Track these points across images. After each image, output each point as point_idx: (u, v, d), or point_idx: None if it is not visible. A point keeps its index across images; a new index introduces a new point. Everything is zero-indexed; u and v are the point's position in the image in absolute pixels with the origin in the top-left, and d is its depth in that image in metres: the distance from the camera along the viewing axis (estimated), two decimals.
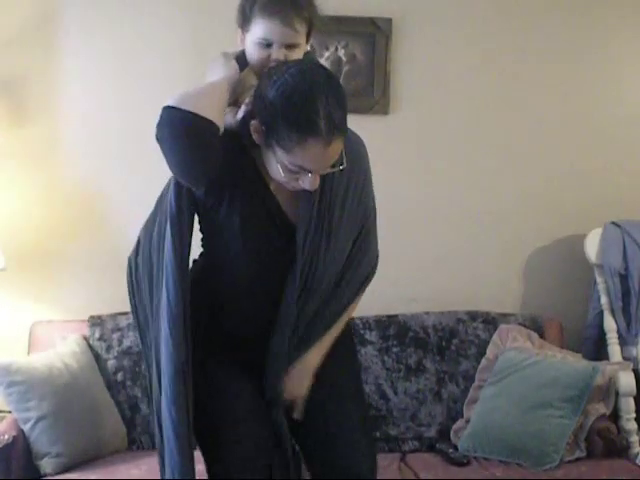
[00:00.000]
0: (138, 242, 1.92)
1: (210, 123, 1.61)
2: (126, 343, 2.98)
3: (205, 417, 1.78)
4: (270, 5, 1.70)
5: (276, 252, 1.77)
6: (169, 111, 1.62)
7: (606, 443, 2.80)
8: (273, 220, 1.76)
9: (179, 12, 3.17)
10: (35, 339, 3.01)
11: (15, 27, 3.11)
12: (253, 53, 1.74)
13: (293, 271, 1.76)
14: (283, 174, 1.63)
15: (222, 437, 1.77)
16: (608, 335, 3.07)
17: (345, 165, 1.69)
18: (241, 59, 1.77)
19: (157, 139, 1.64)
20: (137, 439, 2.93)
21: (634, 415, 2.92)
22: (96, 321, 3.02)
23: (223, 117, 1.67)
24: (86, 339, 2.99)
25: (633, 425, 2.91)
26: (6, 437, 2.56)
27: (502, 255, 3.32)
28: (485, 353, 3.03)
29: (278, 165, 1.63)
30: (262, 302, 1.81)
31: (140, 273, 1.88)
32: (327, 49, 3.18)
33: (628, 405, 2.92)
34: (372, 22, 3.19)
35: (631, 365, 2.94)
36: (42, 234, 3.13)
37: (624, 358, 3.01)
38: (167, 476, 1.75)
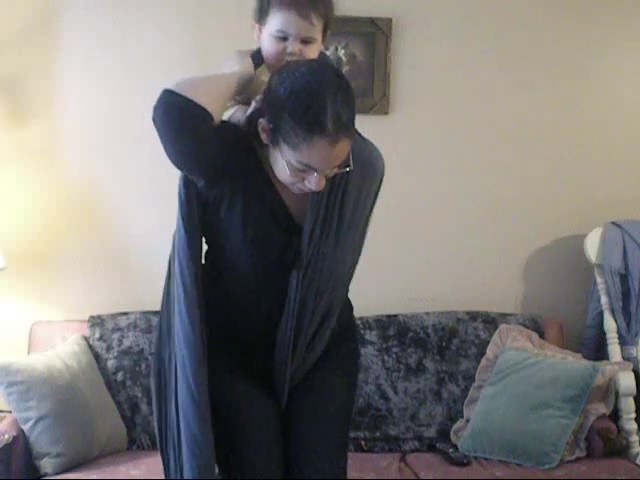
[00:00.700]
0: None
1: (203, 110, 1.62)
2: (126, 343, 2.99)
3: (218, 427, 1.78)
4: None
5: (279, 252, 1.76)
6: (166, 94, 1.66)
7: (606, 443, 2.80)
8: (276, 219, 1.75)
9: (179, 12, 3.17)
10: (35, 339, 3.01)
11: (15, 27, 3.11)
12: (269, 46, 1.73)
13: (296, 270, 1.75)
14: (289, 172, 1.63)
15: (237, 454, 1.79)
16: (608, 335, 3.07)
17: (351, 167, 1.68)
18: (256, 57, 1.77)
19: (153, 120, 1.66)
20: (137, 439, 2.93)
21: (634, 415, 2.92)
22: (96, 321, 3.02)
23: (221, 108, 1.68)
24: (86, 339, 3.00)
25: (633, 425, 2.91)
26: (6, 437, 2.56)
27: (502, 255, 3.32)
28: (485, 353, 3.03)
29: (284, 163, 1.62)
30: (265, 300, 1.81)
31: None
32: (327, 49, 3.18)
33: (628, 405, 2.92)
34: (372, 22, 3.19)
35: (631, 365, 2.94)
36: (42, 234, 3.13)
37: (624, 358, 3.01)
38: (187, 475, 1.74)
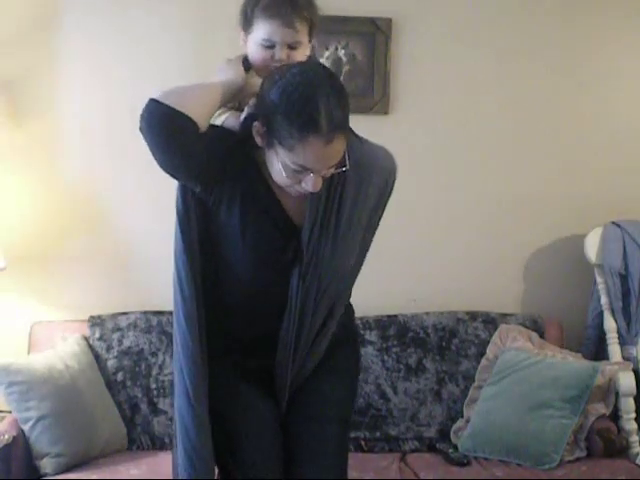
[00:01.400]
0: None
1: (188, 120, 1.62)
2: (126, 343, 2.98)
3: (216, 429, 1.79)
4: (271, 6, 1.71)
5: (278, 253, 1.76)
6: (151, 103, 1.66)
7: (606, 443, 2.80)
8: (274, 221, 1.75)
9: (179, 11, 3.17)
10: (35, 339, 3.01)
11: (15, 27, 3.10)
12: (256, 54, 1.75)
13: (296, 272, 1.76)
14: (285, 174, 1.63)
15: (237, 454, 1.80)
16: (608, 335, 3.07)
17: (347, 167, 1.68)
18: (245, 63, 1.78)
19: (139, 130, 1.66)
20: (137, 439, 2.93)
21: (634, 415, 2.92)
22: (96, 321, 3.02)
23: (207, 116, 1.68)
24: (86, 339, 2.99)
25: (633, 425, 2.91)
26: (6, 437, 2.55)
27: (502, 255, 3.31)
28: (485, 353, 3.03)
29: (280, 165, 1.62)
30: (266, 301, 1.81)
31: None
32: (327, 49, 3.18)
33: (628, 405, 2.92)
34: (372, 22, 3.19)
35: (631, 365, 2.94)
36: (42, 234, 3.13)
37: (624, 358, 3.02)
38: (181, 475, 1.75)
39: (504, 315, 3.15)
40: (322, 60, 3.16)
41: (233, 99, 1.75)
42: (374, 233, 1.93)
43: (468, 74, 3.28)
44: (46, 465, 2.63)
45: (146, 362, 2.97)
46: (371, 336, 3.07)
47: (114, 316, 3.03)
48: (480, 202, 3.30)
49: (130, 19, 3.16)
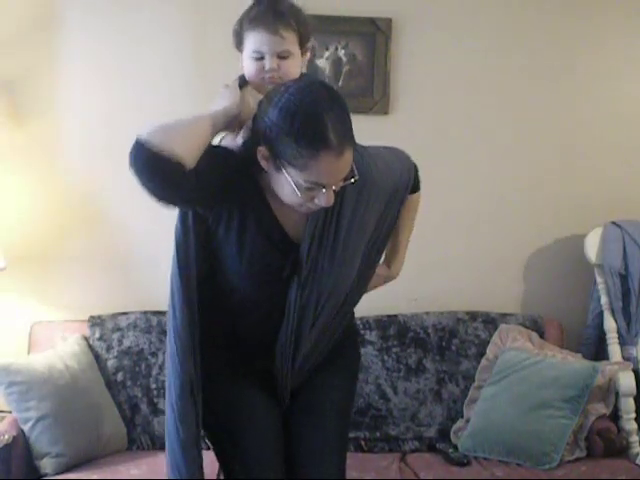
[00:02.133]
0: None
1: (170, 161, 1.58)
2: (126, 343, 2.99)
3: (219, 429, 1.83)
4: (256, 18, 1.74)
5: (276, 270, 1.76)
6: (136, 146, 1.65)
7: (606, 443, 2.80)
8: (272, 239, 1.75)
9: (179, 11, 3.17)
10: (35, 339, 3.01)
11: (15, 27, 3.10)
12: (248, 68, 1.76)
13: (294, 284, 1.76)
14: (300, 194, 1.62)
15: (233, 451, 1.81)
16: (608, 335, 3.07)
17: (357, 177, 1.68)
18: (241, 81, 1.79)
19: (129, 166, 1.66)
20: (137, 439, 2.93)
21: (634, 415, 2.92)
22: (96, 321, 3.02)
23: (197, 153, 1.63)
24: (86, 339, 3.00)
25: (633, 425, 2.91)
26: (6, 437, 2.55)
27: (502, 255, 3.32)
28: (485, 353, 3.03)
29: (293, 186, 1.61)
30: (266, 313, 1.82)
31: None
32: (327, 49, 3.18)
33: (628, 405, 2.92)
34: (372, 22, 3.19)
35: (631, 365, 2.94)
36: (42, 234, 3.13)
37: (624, 358, 3.01)
38: None
39: (504, 315, 3.15)
40: (322, 60, 3.16)
41: (229, 126, 1.74)
42: (389, 233, 1.94)
43: (468, 74, 3.28)
44: (46, 465, 2.63)
45: (146, 362, 2.97)
46: (371, 336, 3.07)
47: (114, 316, 3.03)
48: (480, 202, 3.30)
49: (130, 19, 3.16)
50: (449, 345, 3.08)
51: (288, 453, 1.86)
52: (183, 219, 1.75)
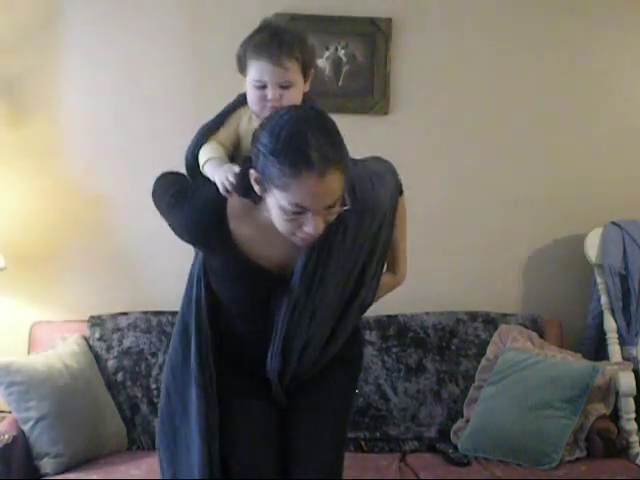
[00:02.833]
0: None
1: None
2: (126, 343, 2.98)
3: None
4: (259, 47, 1.72)
5: (261, 300, 1.78)
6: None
7: (606, 443, 2.81)
8: (249, 273, 1.76)
9: (179, 12, 3.17)
10: (35, 339, 3.01)
11: (15, 28, 3.11)
12: (250, 95, 1.75)
13: (284, 304, 1.77)
14: (285, 217, 1.59)
15: (229, 452, 1.82)
16: (608, 335, 3.07)
17: (348, 206, 1.65)
18: (243, 99, 1.81)
19: None
20: (137, 439, 2.93)
21: (634, 415, 2.92)
22: (96, 321, 3.02)
23: None
24: (86, 339, 3.00)
25: (633, 425, 2.91)
26: (6, 437, 2.55)
27: (502, 255, 3.31)
28: (485, 353, 3.03)
29: (278, 210, 1.60)
30: (257, 332, 1.84)
31: None
32: (327, 49, 3.18)
33: (628, 405, 2.92)
34: (372, 22, 3.19)
35: (631, 365, 2.94)
36: (42, 234, 3.13)
37: (624, 358, 3.01)
38: None
39: (504, 315, 3.15)
40: (322, 60, 3.16)
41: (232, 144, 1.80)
42: (387, 247, 1.96)
43: (468, 74, 3.28)
44: (46, 465, 2.63)
45: (146, 362, 2.97)
46: (371, 336, 3.07)
47: (114, 316, 3.03)
48: (480, 202, 3.30)
49: (131, 20, 3.16)
50: (449, 345, 3.08)
51: (284, 452, 1.86)
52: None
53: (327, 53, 3.18)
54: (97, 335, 3.00)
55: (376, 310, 3.05)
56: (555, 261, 3.33)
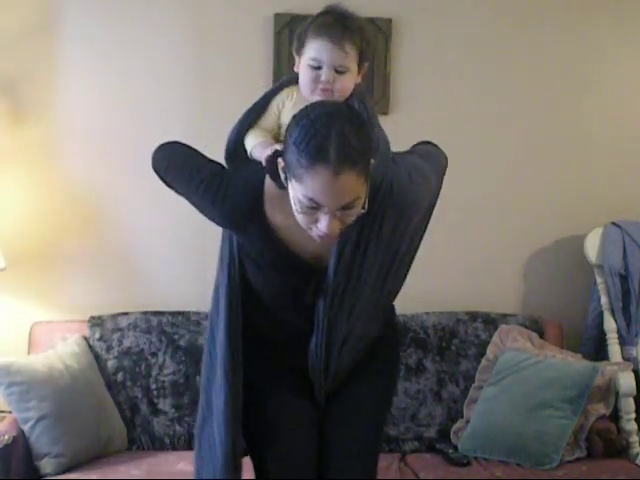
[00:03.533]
0: None
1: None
2: (126, 343, 2.98)
3: (255, 425, 1.84)
4: (322, 27, 1.70)
5: (298, 292, 1.78)
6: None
7: (606, 443, 2.81)
8: (287, 267, 1.76)
9: (178, 13, 3.17)
10: (35, 339, 3.01)
11: (15, 28, 3.10)
12: (304, 75, 1.73)
13: (321, 301, 1.77)
14: (299, 209, 1.59)
15: (268, 451, 1.83)
16: (608, 335, 3.07)
17: (365, 210, 1.63)
18: (291, 79, 1.80)
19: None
20: (137, 439, 2.93)
21: (634, 415, 2.92)
22: (96, 321, 3.02)
23: None
24: (86, 339, 2.99)
25: (633, 425, 2.91)
26: (6, 437, 2.55)
27: (502, 255, 3.32)
28: (485, 353, 3.03)
29: (295, 202, 1.59)
30: (297, 325, 1.83)
31: None
32: None
33: (628, 405, 2.92)
34: (372, 22, 3.18)
35: (631, 365, 2.94)
36: (42, 234, 3.13)
37: (624, 358, 3.02)
38: None
39: (504, 315, 3.15)
40: None
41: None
42: (410, 258, 1.97)
43: (468, 74, 3.28)
44: (46, 465, 2.63)
45: (146, 362, 2.97)
46: None
47: (114, 316, 3.03)
48: (480, 202, 3.30)
49: (130, 21, 3.16)
50: (449, 345, 3.08)
51: (320, 454, 1.86)
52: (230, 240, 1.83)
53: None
54: (97, 335, 3.00)
55: None
56: (555, 261, 3.33)
